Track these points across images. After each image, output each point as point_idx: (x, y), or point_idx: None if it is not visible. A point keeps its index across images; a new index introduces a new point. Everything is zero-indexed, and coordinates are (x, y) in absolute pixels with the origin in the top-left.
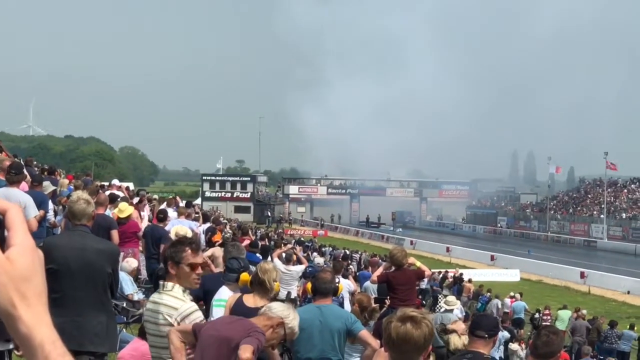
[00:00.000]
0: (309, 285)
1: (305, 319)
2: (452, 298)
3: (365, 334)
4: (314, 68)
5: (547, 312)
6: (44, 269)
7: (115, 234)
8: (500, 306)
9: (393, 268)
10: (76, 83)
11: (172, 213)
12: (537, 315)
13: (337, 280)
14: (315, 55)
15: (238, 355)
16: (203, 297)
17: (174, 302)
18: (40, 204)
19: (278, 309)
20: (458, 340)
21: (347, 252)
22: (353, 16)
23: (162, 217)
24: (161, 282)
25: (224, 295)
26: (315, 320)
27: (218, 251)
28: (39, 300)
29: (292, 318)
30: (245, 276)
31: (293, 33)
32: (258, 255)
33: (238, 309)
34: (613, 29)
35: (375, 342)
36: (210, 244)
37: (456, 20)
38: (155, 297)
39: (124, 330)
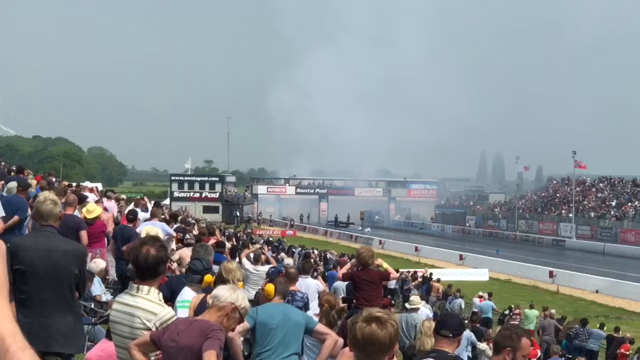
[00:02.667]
0: (271, 286)
1: (268, 314)
2: (415, 297)
3: (321, 326)
4: (282, 68)
5: (517, 311)
6: (5, 262)
7: (84, 234)
8: (463, 306)
9: (360, 267)
10: (44, 83)
11: (141, 214)
12: (507, 312)
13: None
14: (287, 50)
15: None
16: (170, 297)
17: (152, 307)
18: (18, 209)
19: (225, 295)
20: (428, 341)
21: (316, 251)
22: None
23: (131, 217)
24: (135, 285)
25: (187, 296)
26: (278, 313)
27: (185, 252)
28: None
29: (242, 298)
30: (209, 277)
31: (266, 26)
32: (225, 255)
33: (203, 309)
34: (584, 31)
35: (333, 333)
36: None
37: (431, 21)
38: (127, 299)
39: (97, 327)
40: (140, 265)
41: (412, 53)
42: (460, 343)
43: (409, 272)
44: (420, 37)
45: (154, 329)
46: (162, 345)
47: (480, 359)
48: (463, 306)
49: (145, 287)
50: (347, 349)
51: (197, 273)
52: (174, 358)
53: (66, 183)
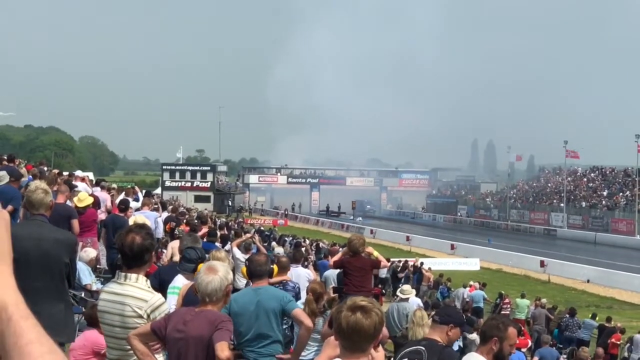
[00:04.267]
0: (244, 269)
1: (242, 302)
2: (407, 287)
3: (299, 312)
4: (275, 58)
5: (507, 300)
6: (8, 233)
7: (75, 223)
8: (465, 296)
9: (351, 254)
10: (36, 72)
11: (133, 204)
12: (498, 301)
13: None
14: (280, 38)
15: (217, 356)
16: (159, 287)
17: (142, 294)
18: (12, 199)
19: (219, 287)
20: (420, 331)
21: (307, 240)
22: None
23: (123, 207)
24: (122, 273)
25: (179, 283)
26: (251, 303)
27: (175, 243)
28: (2, 261)
29: (227, 274)
30: (201, 266)
31: (260, 13)
32: (217, 244)
33: (189, 298)
34: (568, 24)
35: (308, 321)
36: (172, 234)
37: (425, 10)
38: (115, 288)
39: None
40: (126, 253)
41: (406, 42)
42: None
43: (399, 261)
44: (415, 27)
45: (145, 316)
46: (167, 336)
47: (470, 348)
48: (465, 295)
49: (134, 275)
50: (332, 338)
51: (191, 262)
52: (182, 348)
53: (56, 171)
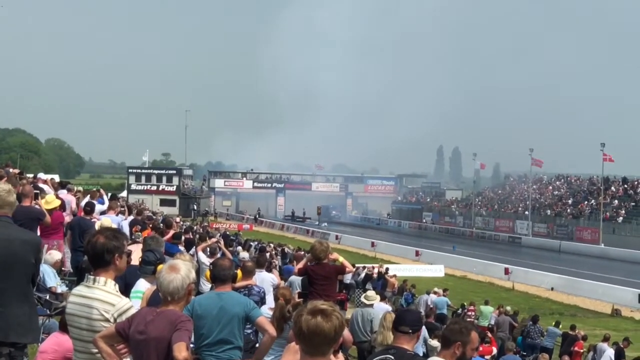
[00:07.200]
0: (208, 272)
1: (205, 306)
2: (371, 293)
3: (263, 320)
4: (242, 60)
5: (471, 307)
6: None
7: (47, 219)
8: (429, 302)
9: (315, 261)
10: (1, 73)
11: (98, 207)
12: (460, 311)
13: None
14: (247, 40)
15: (174, 356)
16: (124, 290)
17: (110, 298)
18: None
19: (180, 285)
20: (390, 335)
21: (272, 245)
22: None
23: (89, 209)
24: (91, 277)
25: (142, 287)
26: (214, 307)
27: (135, 246)
28: None
29: (189, 272)
30: (161, 267)
31: (226, 17)
32: (180, 247)
33: (154, 301)
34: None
35: (272, 329)
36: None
37: (381, 19)
38: (84, 291)
39: (52, 319)
40: (89, 253)
41: (375, 48)
42: (418, 339)
43: (364, 267)
44: (382, 34)
45: (112, 320)
46: (130, 337)
47: (431, 355)
48: (430, 302)
49: (102, 279)
50: (292, 343)
51: (150, 264)
52: (144, 350)
53: (16, 171)
